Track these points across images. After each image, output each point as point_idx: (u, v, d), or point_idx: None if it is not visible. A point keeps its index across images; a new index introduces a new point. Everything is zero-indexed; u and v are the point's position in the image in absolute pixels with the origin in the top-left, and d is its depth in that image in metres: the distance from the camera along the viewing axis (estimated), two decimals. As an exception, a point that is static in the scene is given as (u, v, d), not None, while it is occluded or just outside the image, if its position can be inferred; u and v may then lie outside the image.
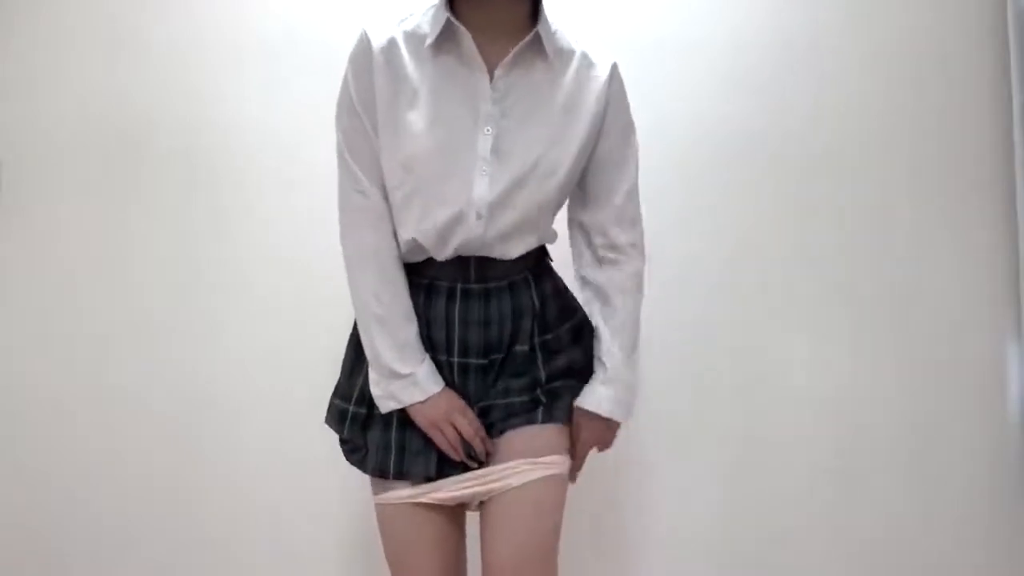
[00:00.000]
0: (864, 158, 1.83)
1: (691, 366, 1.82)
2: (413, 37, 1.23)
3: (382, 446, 1.25)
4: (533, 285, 1.29)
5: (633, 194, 1.33)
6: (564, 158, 1.24)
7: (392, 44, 1.22)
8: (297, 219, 1.89)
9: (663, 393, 1.79)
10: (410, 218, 1.23)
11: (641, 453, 1.80)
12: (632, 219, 1.33)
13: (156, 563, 1.89)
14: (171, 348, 1.90)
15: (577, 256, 1.37)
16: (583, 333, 1.33)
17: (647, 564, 1.83)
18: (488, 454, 1.24)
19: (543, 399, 1.26)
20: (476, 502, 1.27)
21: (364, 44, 1.23)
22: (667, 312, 1.75)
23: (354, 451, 1.30)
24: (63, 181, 1.95)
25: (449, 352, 1.26)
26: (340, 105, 1.27)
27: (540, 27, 1.22)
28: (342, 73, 1.28)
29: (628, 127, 1.33)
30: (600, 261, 1.33)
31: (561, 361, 1.29)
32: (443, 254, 1.24)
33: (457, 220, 1.21)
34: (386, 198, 1.25)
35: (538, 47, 1.23)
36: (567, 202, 1.36)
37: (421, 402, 1.22)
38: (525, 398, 1.25)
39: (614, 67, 1.29)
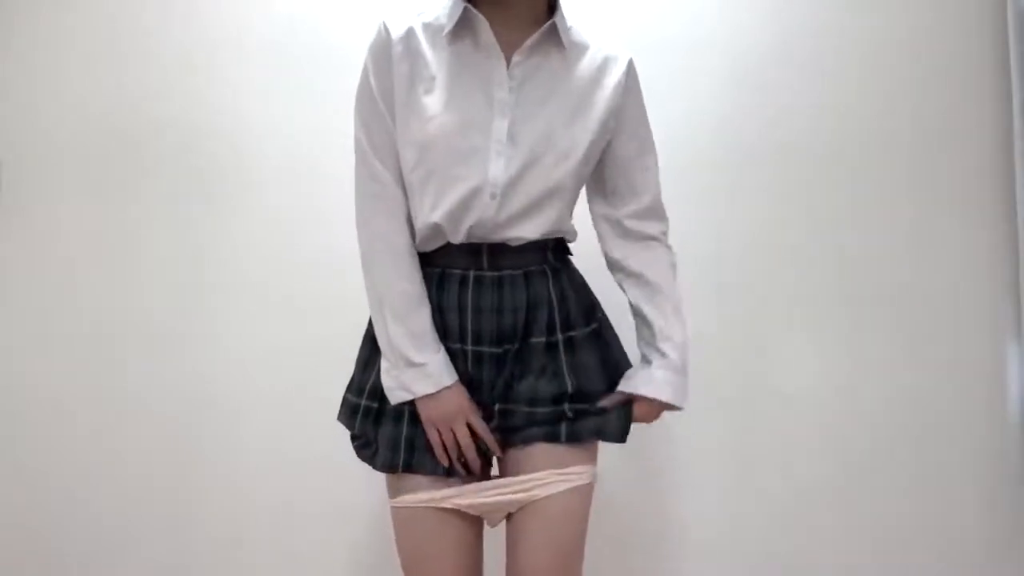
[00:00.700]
0: (864, 158, 1.83)
1: (691, 366, 1.81)
2: (431, 28, 1.26)
3: (392, 442, 1.24)
4: (551, 277, 1.28)
5: (658, 190, 1.36)
6: (579, 143, 1.25)
7: (410, 33, 1.25)
8: (297, 219, 1.89)
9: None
10: (425, 200, 1.23)
11: (642, 454, 1.79)
12: (660, 213, 1.37)
13: (156, 563, 1.89)
14: (171, 348, 1.91)
15: (605, 239, 1.38)
16: (603, 336, 1.33)
17: (649, 565, 1.83)
18: (484, 465, 1.24)
19: (569, 414, 1.24)
20: (497, 518, 1.27)
21: (383, 34, 1.25)
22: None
23: (365, 446, 1.29)
24: (63, 181, 1.95)
25: (463, 340, 1.25)
26: (359, 96, 1.28)
27: (557, 19, 1.24)
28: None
29: (644, 123, 1.35)
30: (633, 240, 1.35)
31: (589, 360, 1.28)
32: (457, 236, 1.24)
33: (472, 197, 1.21)
34: (402, 188, 1.26)
35: (555, 38, 1.25)
36: (590, 201, 1.38)
37: (432, 395, 1.21)
38: (549, 409, 1.24)
39: (630, 63, 1.31)
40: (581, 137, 1.25)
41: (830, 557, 1.80)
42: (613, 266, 1.37)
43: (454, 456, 1.22)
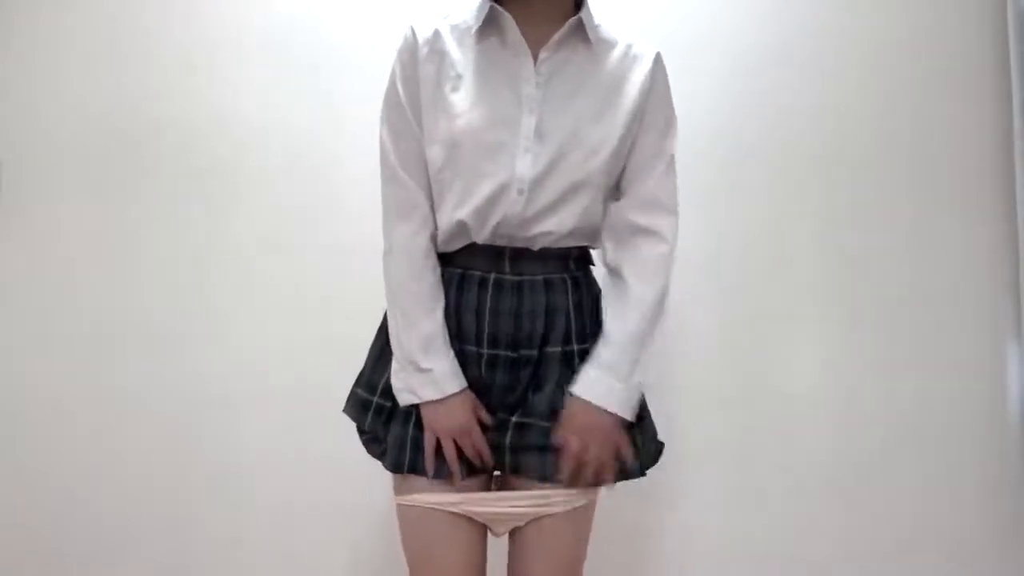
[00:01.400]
0: (864, 158, 1.83)
1: (691, 366, 1.82)
2: (457, 29, 1.27)
3: (399, 442, 1.24)
4: (570, 286, 1.28)
5: (663, 182, 1.29)
6: (608, 138, 1.23)
7: (437, 35, 1.26)
8: (297, 219, 1.89)
9: (661, 394, 1.79)
10: (451, 197, 1.23)
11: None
12: (656, 204, 1.28)
13: (156, 563, 1.89)
14: (171, 348, 1.91)
15: (602, 251, 1.33)
16: None
17: (649, 565, 1.83)
18: (469, 473, 1.24)
19: None
20: (502, 528, 1.27)
21: (410, 39, 1.26)
22: (667, 313, 1.75)
23: (374, 442, 1.30)
24: (63, 181, 1.95)
25: (479, 343, 1.24)
26: (386, 102, 1.28)
27: (583, 14, 1.24)
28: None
29: (671, 119, 1.32)
30: (621, 244, 1.28)
31: None
32: (482, 235, 1.23)
33: (500, 193, 1.20)
34: (425, 194, 1.26)
35: (581, 34, 1.25)
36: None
37: (437, 401, 1.21)
38: None
39: (658, 56, 1.30)
40: (610, 132, 1.24)
41: (830, 557, 1.80)
42: (605, 276, 1.33)
43: (451, 464, 1.22)
